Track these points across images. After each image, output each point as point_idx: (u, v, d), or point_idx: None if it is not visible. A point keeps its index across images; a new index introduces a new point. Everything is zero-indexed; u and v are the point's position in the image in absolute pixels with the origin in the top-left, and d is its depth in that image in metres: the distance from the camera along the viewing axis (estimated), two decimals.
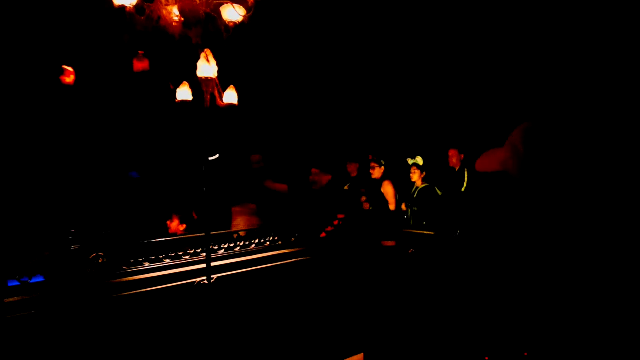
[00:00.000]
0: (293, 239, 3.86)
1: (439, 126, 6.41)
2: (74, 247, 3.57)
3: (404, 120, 6.63)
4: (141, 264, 2.88)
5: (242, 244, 3.48)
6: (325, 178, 4.72)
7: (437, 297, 4.14)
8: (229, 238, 3.42)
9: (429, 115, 6.50)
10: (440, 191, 5.36)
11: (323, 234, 4.06)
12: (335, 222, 4.10)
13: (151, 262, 2.93)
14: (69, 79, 2.87)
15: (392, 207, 5.14)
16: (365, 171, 5.33)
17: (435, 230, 4.45)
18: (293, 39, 5.92)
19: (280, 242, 3.78)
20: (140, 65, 3.46)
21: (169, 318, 2.84)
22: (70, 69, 3.10)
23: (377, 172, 5.27)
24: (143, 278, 2.79)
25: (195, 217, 4.08)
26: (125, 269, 2.80)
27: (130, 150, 4.45)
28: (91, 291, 2.63)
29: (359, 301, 3.99)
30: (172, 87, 2.95)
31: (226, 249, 3.37)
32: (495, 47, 5.68)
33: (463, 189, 5.34)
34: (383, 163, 5.28)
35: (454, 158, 5.49)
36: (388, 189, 5.17)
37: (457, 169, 5.53)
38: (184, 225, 4.07)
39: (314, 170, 4.72)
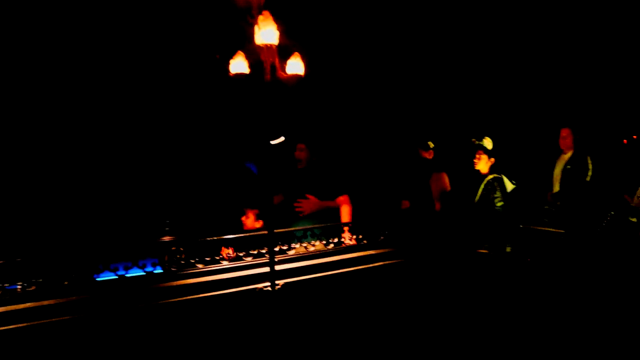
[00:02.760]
0: (382, 237, 3.25)
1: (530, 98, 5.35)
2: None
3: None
4: (193, 265, 2.50)
5: (316, 243, 2.95)
6: (310, 155, 3.79)
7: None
8: (299, 237, 2.91)
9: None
10: (513, 183, 4.24)
11: None
12: None
13: (206, 263, 2.54)
14: None
15: (436, 206, 4.04)
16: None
17: (565, 228, 3.47)
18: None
19: (365, 242, 3.19)
20: None
21: (220, 331, 2.41)
22: None
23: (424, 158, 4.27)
24: (193, 282, 2.40)
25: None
26: (174, 271, 2.44)
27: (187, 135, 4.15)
28: (143, 295, 2.30)
29: (461, 320, 3.23)
30: (218, 57, 2.50)
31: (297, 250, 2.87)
32: None
33: (588, 178, 4.30)
34: (431, 146, 4.25)
35: (567, 140, 4.49)
36: (437, 184, 4.05)
37: (566, 154, 4.54)
38: (261, 222, 3.65)
39: (299, 145, 3.84)
